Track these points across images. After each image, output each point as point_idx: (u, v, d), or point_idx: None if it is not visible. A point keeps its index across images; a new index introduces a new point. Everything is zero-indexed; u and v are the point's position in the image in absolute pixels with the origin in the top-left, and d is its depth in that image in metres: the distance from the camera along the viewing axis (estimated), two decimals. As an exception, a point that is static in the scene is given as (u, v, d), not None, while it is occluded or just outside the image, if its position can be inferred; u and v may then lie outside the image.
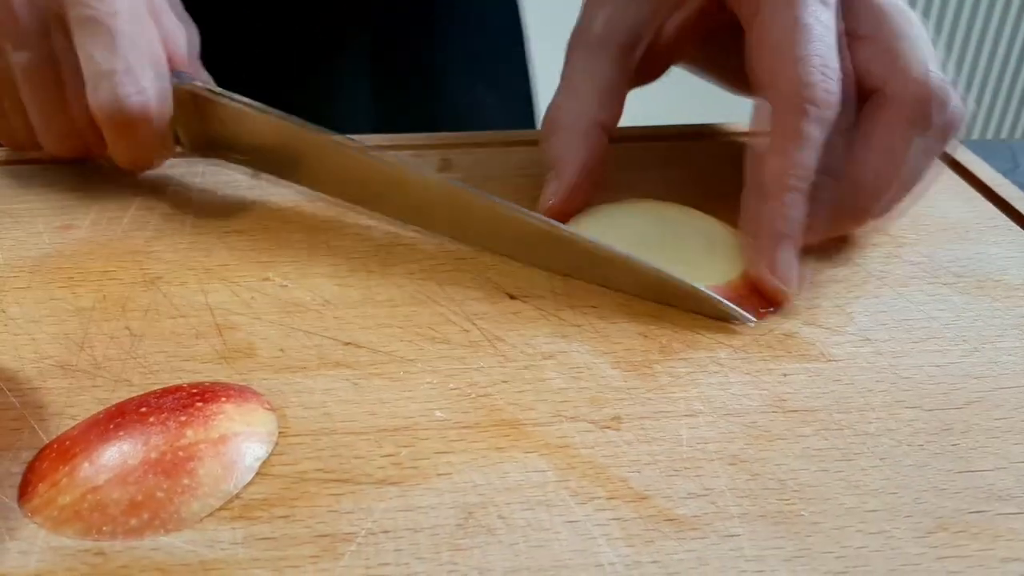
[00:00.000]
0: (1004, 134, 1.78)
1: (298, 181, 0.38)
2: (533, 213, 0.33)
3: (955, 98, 0.32)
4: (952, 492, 0.24)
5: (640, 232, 0.34)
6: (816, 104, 0.30)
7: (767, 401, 0.27)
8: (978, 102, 1.73)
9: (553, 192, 0.35)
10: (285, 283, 0.32)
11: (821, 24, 0.31)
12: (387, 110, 0.58)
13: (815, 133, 0.31)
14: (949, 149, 0.34)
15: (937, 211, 0.38)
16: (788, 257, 0.31)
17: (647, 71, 0.37)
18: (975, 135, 1.78)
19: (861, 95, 0.33)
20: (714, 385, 0.28)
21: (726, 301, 0.31)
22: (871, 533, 0.23)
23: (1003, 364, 0.29)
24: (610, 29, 0.36)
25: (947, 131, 0.32)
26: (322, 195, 0.38)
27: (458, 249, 0.35)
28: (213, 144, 0.38)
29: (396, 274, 0.33)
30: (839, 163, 0.32)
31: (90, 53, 0.34)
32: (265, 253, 0.34)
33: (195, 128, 0.37)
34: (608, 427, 0.26)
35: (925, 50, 0.32)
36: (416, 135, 0.44)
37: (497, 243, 0.34)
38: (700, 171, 0.41)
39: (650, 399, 0.27)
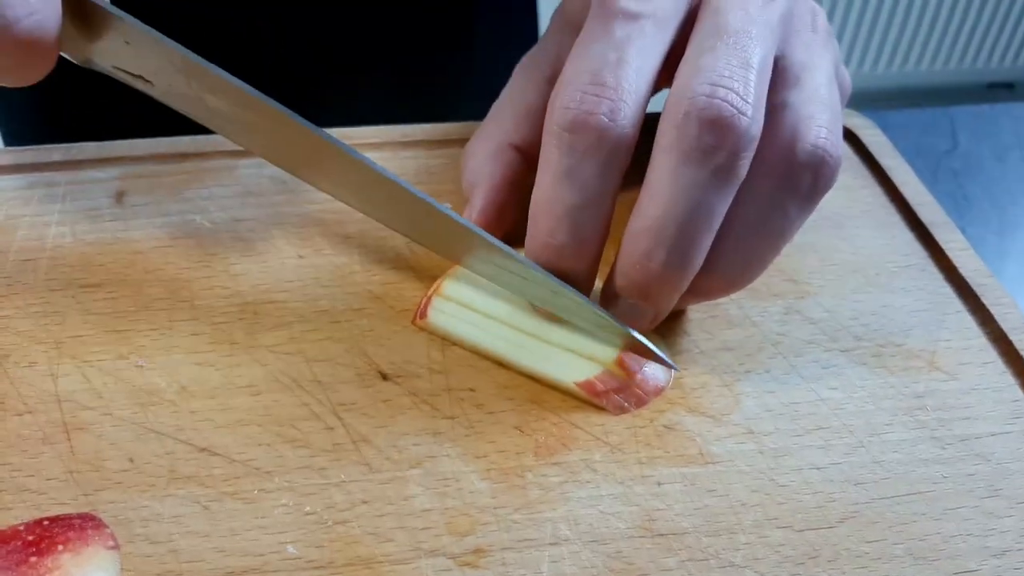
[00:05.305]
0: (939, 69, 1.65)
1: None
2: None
3: (832, 156, 0.28)
4: (806, 643, 0.24)
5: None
6: (568, 130, 0.27)
7: (636, 521, 0.27)
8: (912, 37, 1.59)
9: (468, 217, 0.33)
10: (141, 362, 0.30)
11: (610, 38, 0.27)
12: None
13: (571, 163, 0.27)
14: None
15: (849, 245, 0.35)
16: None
17: None
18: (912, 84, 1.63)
19: None
20: (584, 500, 0.27)
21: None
22: None
23: (886, 465, 0.28)
24: (551, 57, 0.33)
25: (818, 192, 0.28)
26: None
27: (332, 307, 0.32)
28: (101, 55, 0.31)
29: (261, 346, 0.31)
30: None
31: None
32: (123, 318, 0.32)
33: (83, 41, 0.30)
34: (467, 564, 0.26)
35: (818, 100, 0.28)
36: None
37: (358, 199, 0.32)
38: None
39: (516, 522, 0.26)
